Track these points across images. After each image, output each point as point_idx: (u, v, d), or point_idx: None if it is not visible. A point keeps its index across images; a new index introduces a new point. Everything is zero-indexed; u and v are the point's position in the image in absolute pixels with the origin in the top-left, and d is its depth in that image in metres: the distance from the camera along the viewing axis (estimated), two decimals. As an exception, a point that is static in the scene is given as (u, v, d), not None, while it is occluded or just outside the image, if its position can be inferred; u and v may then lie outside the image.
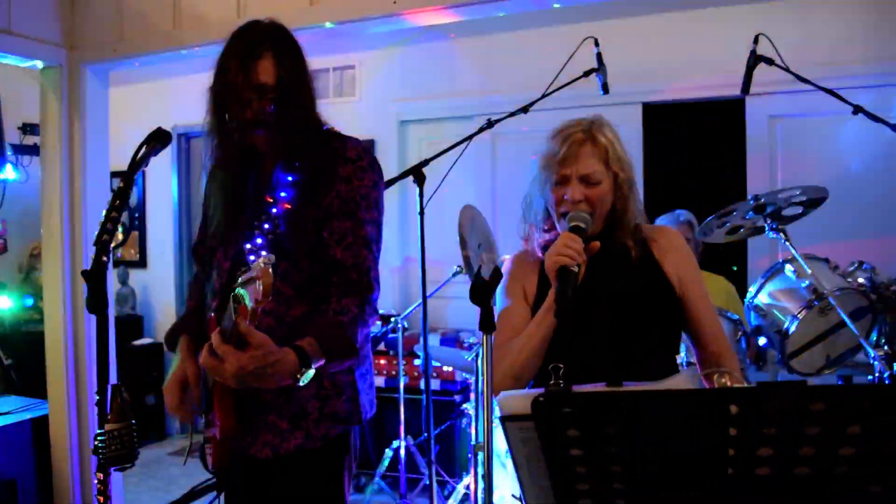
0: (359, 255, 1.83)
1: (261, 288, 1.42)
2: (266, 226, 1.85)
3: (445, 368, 4.33)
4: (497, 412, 1.14)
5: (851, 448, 1.05)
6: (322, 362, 1.67)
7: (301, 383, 1.63)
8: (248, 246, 1.85)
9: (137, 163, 1.89)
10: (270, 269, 1.44)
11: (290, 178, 1.86)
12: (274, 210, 1.86)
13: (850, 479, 1.08)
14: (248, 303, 1.43)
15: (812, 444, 1.04)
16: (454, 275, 3.88)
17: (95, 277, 1.79)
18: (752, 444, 1.01)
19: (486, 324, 1.30)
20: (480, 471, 3.43)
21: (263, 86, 1.80)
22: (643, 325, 1.73)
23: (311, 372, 1.64)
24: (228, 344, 1.55)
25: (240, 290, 1.45)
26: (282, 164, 1.88)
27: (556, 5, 3.22)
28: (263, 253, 1.69)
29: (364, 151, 1.92)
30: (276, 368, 1.58)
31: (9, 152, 4.42)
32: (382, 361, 4.51)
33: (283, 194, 1.86)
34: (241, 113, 1.81)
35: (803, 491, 1.08)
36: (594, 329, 1.71)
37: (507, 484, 3.35)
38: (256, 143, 1.86)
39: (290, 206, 1.85)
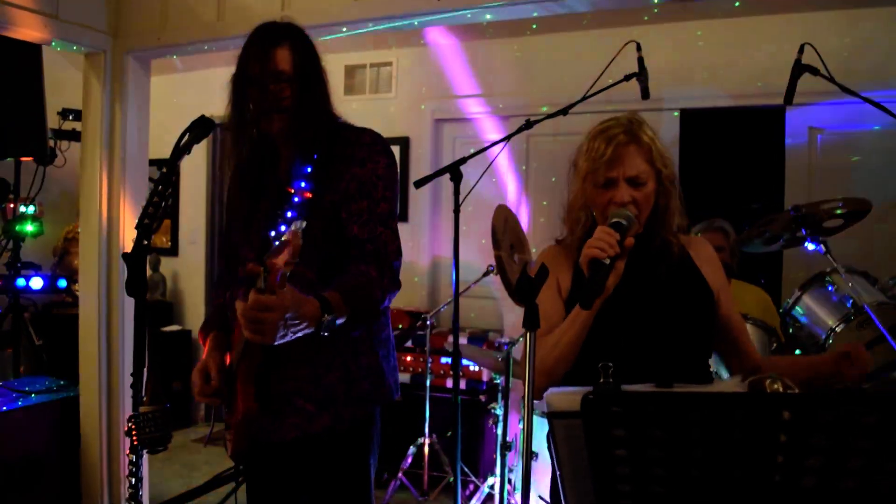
0: (374, 230, 1.89)
1: (291, 250, 1.47)
2: (288, 214, 1.88)
3: (472, 368, 4.33)
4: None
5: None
6: (345, 318, 1.71)
7: (324, 332, 1.66)
8: (273, 234, 1.89)
9: (181, 149, 1.92)
10: (301, 233, 1.51)
11: (308, 170, 1.91)
12: (296, 199, 1.90)
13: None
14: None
15: (862, 455, 1.02)
16: (485, 275, 3.87)
17: (136, 260, 1.81)
18: (802, 453, 1.00)
19: (531, 322, 1.29)
20: (507, 471, 3.42)
21: (281, 73, 1.89)
22: (678, 324, 1.73)
23: (332, 318, 1.66)
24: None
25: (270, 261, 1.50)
26: (300, 156, 1.93)
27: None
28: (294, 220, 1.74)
29: (377, 137, 2.00)
30: (303, 311, 1.61)
31: (49, 136, 4.47)
32: (409, 358, 4.51)
33: (302, 184, 1.91)
34: (259, 99, 1.89)
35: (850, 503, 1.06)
36: (630, 326, 1.71)
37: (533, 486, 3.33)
38: (273, 129, 1.93)
39: (310, 195, 1.89)
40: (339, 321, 1.69)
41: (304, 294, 1.64)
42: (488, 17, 3.10)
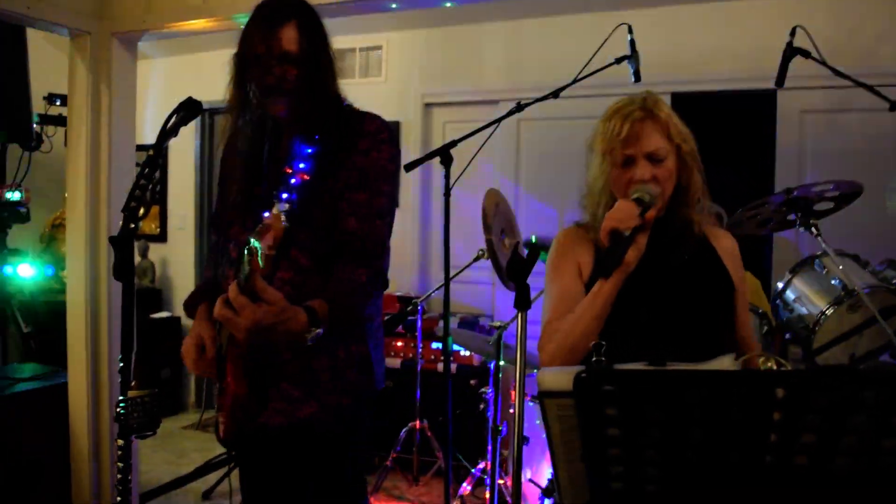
0: (372, 225, 1.85)
1: (273, 234, 1.44)
2: (284, 196, 1.85)
3: (463, 353, 4.32)
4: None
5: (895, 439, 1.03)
6: (328, 328, 1.69)
7: (309, 342, 1.64)
8: (266, 215, 1.86)
9: (167, 132, 1.88)
10: (283, 217, 1.47)
11: (309, 151, 1.88)
12: (292, 181, 1.87)
13: (892, 472, 1.05)
14: (260, 249, 1.45)
15: (856, 433, 1.01)
16: (476, 259, 3.85)
17: (123, 244, 1.78)
18: (796, 430, 0.99)
19: (522, 302, 1.28)
20: (497, 455, 3.42)
21: (286, 53, 1.82)
22: (698, 306, 1.70)
23: (319, 332, 1.65)
24: (244, 296, 1.54)
25: (254, 242, 1.46)
26: (301, 136, 1.88)
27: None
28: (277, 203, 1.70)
29: (383, 125, 1.95)
30: (288, 325, 1.59)
31: (35, 121, 4.42)
32: (400, 343, 4.50)
33: (301, 165, 1.87)
34: (263, 79, 1.83)
35: (842, 483, 1.06)
36: (651, 304, 1.68)
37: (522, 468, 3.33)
38: (276, 112, 1.88)
39: (307, 178, 1.86)
40: (322, 330, 1.67)
41: (293, 305, 1.61)
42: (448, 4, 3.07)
